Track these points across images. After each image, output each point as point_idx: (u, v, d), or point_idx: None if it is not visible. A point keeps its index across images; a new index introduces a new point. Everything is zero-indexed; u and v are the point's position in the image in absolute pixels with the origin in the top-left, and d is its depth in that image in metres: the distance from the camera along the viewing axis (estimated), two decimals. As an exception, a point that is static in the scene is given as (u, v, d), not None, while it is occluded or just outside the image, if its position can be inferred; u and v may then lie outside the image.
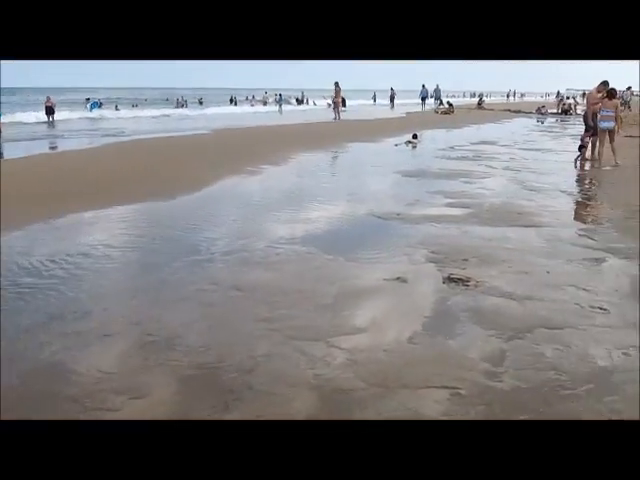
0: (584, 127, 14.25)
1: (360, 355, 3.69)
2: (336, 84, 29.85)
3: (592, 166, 13.09)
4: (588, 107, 14.10)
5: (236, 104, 52.97)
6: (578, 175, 11.92)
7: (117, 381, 3.37)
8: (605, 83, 13.72)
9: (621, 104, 32.51)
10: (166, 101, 53.90)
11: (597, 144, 13.58)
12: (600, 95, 13.55)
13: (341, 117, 29.69)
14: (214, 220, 7.49)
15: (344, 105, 42.55)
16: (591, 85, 15.37)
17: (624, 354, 3.66)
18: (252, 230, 6.92)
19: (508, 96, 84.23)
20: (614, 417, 2.99)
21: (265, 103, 51.88)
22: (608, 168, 12.47)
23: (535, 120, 33.62)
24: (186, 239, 6.49)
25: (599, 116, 13.15)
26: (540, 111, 39.46)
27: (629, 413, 3.02)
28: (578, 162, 13.54)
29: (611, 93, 13.47)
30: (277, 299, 4.62)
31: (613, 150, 13.01)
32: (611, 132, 13.08)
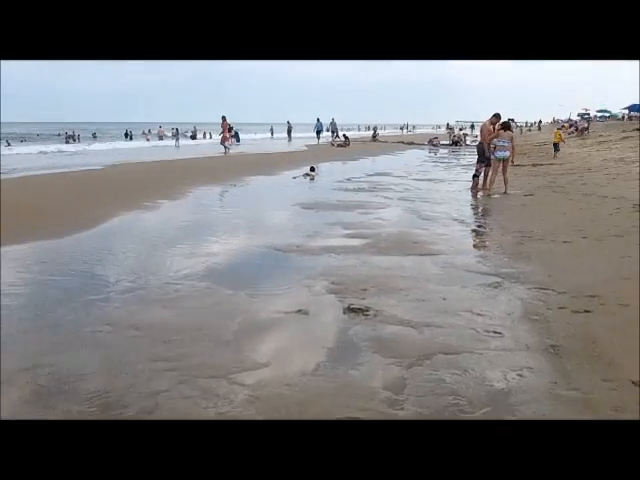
0: (477, 157, 14.85)
1: (262, 391, 3.63)
2: (223, 118, 29.77)
3: (484, 194, 13.67)
4: (483, 138, 14.69)
5: (132, 138, 51.98)
6: (470, 204, 12.40)
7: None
8: (497, 115, 14.41)
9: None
10: (58, 136, 51.98)
11: (490, 173, 14.15)
12: (493, 127, 14.22)
13: (230, 151, 29.49)
14: (110, 257, 7.23)
15: (237, 139, 42.62)
16: (479, 117, 16.14)
17: (518, 375, 3.79)
18: (150, 266, 6.73)
19: (402, 129, 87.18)
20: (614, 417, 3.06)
21: (161, 137, 51.14)
22: (497, 196, 13.08)
23: (427, 151, 34.90)
24: (80, 278, 6.21)
25: (495, 146, 13.75)
26: (432, 143, 41.02)
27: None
28: (472, 191, 14.08)
29: (506, 125, 14.28)
30: (176, 337, 4.49)
31: (506, 179, 13.65)
32: (505, 162, 13.71)
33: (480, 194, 13.80)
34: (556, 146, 24.91)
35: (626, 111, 61.21)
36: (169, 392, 3.62)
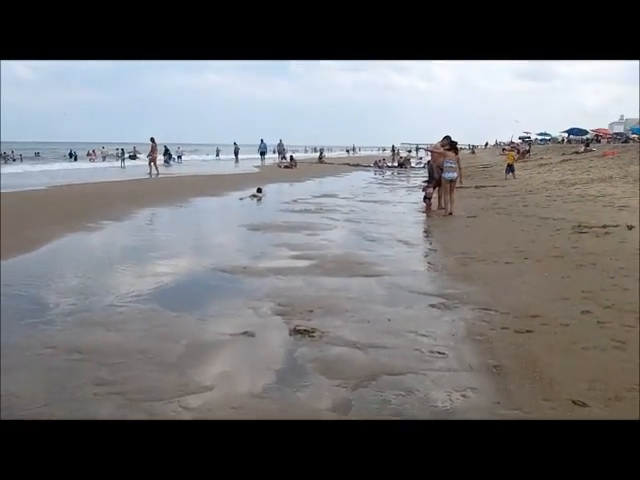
0: (427, 179, 15.04)
1: (208, 414, 3.57)
2: (152, 140, 29.58)
3: (427, 215, 13.87)
4: (433, 160, 14.89)
5: (76, 159, 50.95)
6: (414, 225, 12.56)
7: None
8: (448, 138, 14.68)
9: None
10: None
11: (442, 194, 14.27)
12: (443, 148, 14.46)
13: (158, 174, 28.75)
14: (52, 280, 7.04)
15: (169, 159, 42.39)
16: (423, 140, 16.43)
17: (462, 396, 3.82)
18: (93, 289, 6.59)
19: (348, 151, 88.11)
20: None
21: (104, 158, 50.44)
22: (440, 217, 13.30)
23: (373, 173, 35.29)
24: (21, 301, 6.01)
25: (443, 167, 13.94)
26: (378, 164, 41.55)
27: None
28: (426, 213, 14.25)
29: (454, 147, 14.54)
30: (120, 360, 4.38)
31: (452, 200, 13.80)
32: (453, 182, 13.90)
33: (432, 214, 13.98)
34: (510, 167, 25.35)
35: (565, 134, 63.33)
36: (112, 416, 3.52)
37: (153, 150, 29.79)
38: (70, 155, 52.71)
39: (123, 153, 45.17)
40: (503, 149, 57.85)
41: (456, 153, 14.33)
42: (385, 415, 3.57)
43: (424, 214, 14.22)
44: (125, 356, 4.48)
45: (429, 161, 15.78)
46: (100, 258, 8.49)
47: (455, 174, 13.86)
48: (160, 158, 33.95)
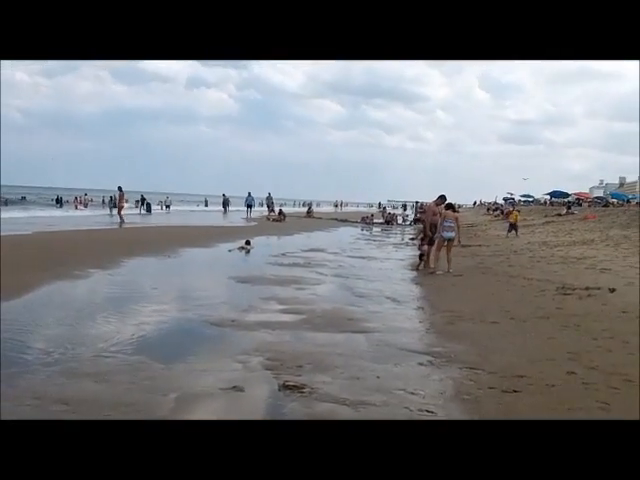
0: (421, 237, 15.17)
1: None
2: (119, 189, 29.91)
3: (426, 272, 13.96)
4: (427, 218, 15.07)
5: (62, 205, 51.04)
6: (401, 281, 12.65)
7: None
8: (442, 197, 14.93)
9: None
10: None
11: (433, 251, 14.29)
12: (439, 208, 14.64)
13: (125, 221, 28.95)
14: (37, 328, 7.04)
15: (148, 209, 42.70)
16: (409, 198, 16.64)
17: (451, 455, 3.85)
18: (80, 338, 6.57)
19: (336, 205, 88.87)
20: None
21: (86, 205, 50.80)
22: (428, 275, 13.42)
23: (360, 229, 35.55)
24: (4, 350, 5.97)
25: (442, 227, 13.94)
26: (365, 221, 41.88)
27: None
28: (417, 269, 14.37)
29: (451, 206, 14.77)
30: (107, 412, 4.37)
31: (449, 259, 13.81)
32: (450, 242, 13.94)
33: (414, 272, 14.09)
34: (513, 226, 26.08)
35: (548, 197, 64.44)
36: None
37: (120, 199, 29.96)
38: (57, 201, 52.86)
39: (111, 200, 45.38)
40: (487, 209, 58.76)
41: (454, 211, 14.56)
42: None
43: (412, 271, 14.34)
44: (112, 408, 4.46)
45: (418, 219, 15.94)
46: (86, 307, 8.46)
47: (453, 233, 13.94)
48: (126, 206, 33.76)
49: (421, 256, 14.81)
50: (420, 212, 45.18)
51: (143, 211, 45.05)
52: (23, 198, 55.02)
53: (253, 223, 34.85)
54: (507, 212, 42.53)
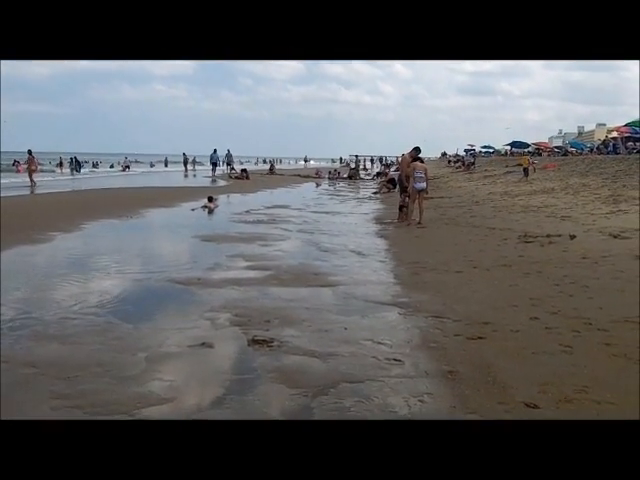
0: (400, 189, 15.12)
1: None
2: (29, 152, 28.45)
3: (403, 224, 14.06)
4: (402, 170, 15.03)
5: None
6: (366, 235, 12.69)
7: None
8: (417, 149, 14.92)
9: (397, 169, 35.64)
10: None
11: (409, 204, 14.32)
12: (412, 160, 14.59)
13: (36, 185, 27.54)
14: (1, 293, 6.87)
15: (78, 169, 41.78)
16: (370, 152, 16.58)
17: (420, 401, 3.93)
18: (45, 301, 6.48)
19: (300, 161, 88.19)
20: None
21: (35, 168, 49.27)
22: (392, 228, 13.50)
23: (323, 185, 35.45)
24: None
25: (413, 178, 14.00)
26: (330, 176, 41.76)
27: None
28: (399, 221, 14.42)
29: (419, 158, 14.78)
30: (76, 374, 4.34)
31: (421, 210, 13.94)
32: (422, 192, 14.04)
33: (378, 225, 14.16)
34: (526, 170, 26.99)
35: (508, 147, 64.91)
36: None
37: (31, 163, 28.73)
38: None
39: (76, 162, 44.67)
40: (449, 161, 59.09)
41: (421, 162, 14.55)
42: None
43: (375, 225, 14.41)
44: (81, 369, 4.44)
45: (383, 172, 15.89)
46: (50, 270, 8.33)
47: (424, 184, 14.03)
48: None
49: (401, 208, 14.82)
50: (384, 166, 45.32)
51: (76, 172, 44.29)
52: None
53: (218, 181, 34.52)
54: (468, 163, 43.01)
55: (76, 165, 45.81)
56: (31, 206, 17.61)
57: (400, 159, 15.58)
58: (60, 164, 50.85)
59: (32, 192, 24.32)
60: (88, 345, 5.01)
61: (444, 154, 77.71)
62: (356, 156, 51.05)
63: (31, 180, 27.91)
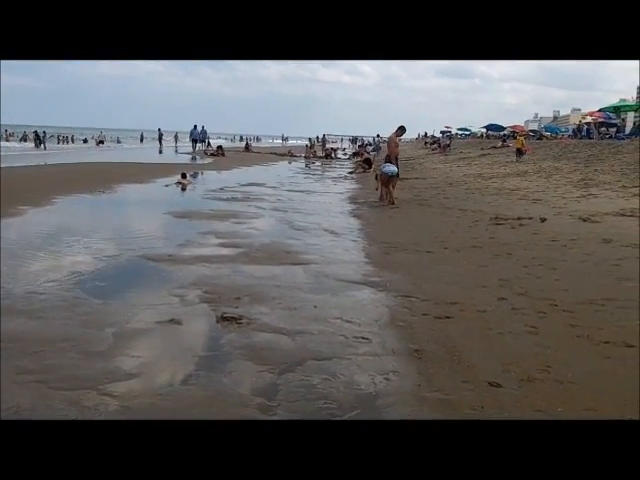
0: None
1: (134, 401, 3.57)
2: None
3: (357, 205, 14.03)
4: (391, 151, 14.82)
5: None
6: (339, 215, 12.69)
7: None
8: (402, 128, 14.84)
9: (373, 149, 35.65)
10: None
11: (382, 186, 14.21)
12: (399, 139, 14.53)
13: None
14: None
15: (39, 143, 42.24)
16: (348, 132, 16.49)
17: (385, 379, 3.96)
18: (11, 276, 6.39)
19: (284, 139, 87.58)
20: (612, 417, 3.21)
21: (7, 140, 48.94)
22: (365, 208, 13.53)
23: (298, 163, 35.33)
24: None
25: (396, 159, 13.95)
26: (305, 155, 41.58)
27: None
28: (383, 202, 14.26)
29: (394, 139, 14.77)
30: (43, 349, 4.30)
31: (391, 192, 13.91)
32: (394, 177, 14.07)
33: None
34: (520, 151, 26.95)
35: (484, 130, 65.20)
36: (35, 404, 3.48)
37: None
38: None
39: (45, 135, 44.24)
40: (425, 142, 59.20)
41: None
42: (311, 398, 3.68)
43: (349, 204, 14.42)
44: (48, 344, 4.40)
45: (357, 152, 15.78)
46: (18, 244, 8.21)
47: (396, 169, 14.05)
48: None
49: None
50: (360, 147, 45.20)
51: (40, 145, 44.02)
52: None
53: (194, 158, 34.24)
54: (444, 145, 43.14)
55: (37, 139, 45.22)
56: None
57: (388, 139, 15.30)
58: (24, 138, 50.33)
59: None
60: (55, 320, 4.96)
61: (425, 135, 77.64)
62: (323, 135, 50.67)
63: None
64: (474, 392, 3.75)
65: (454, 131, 73.93)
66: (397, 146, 14.70)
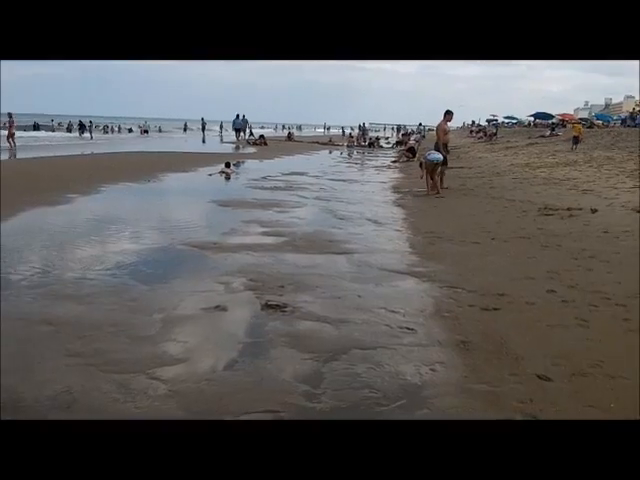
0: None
1: (181, 385, 3.61)
2: (9, 115, 28.23)
3: (401, 194, 13.90)
4: (439, 138, 14.48)
5: (38, 129, 50.18)
6: (382, 204, 12.58)
7: None
8: (450, 112, 14.39)
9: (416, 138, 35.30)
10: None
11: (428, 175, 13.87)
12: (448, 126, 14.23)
13: (16, 147, 27.17)
14: (19, 252, 6.94)
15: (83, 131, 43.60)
16: (390, 119, 16.24)
17: (431, 370, 3.92)
18: (62, 262, 6.55)
19: (327, 128, 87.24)
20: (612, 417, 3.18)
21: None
22: (409, 197, 13.38)
23: (339, 153, 35.17)
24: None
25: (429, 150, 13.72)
26: (348, 144, 41.37)
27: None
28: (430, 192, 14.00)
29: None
30: (92, 333, 4.39)
31: (436, 182, 13.68)
32: (438, 164, 13.79)
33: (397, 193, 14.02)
34: (576, 139, 26.56)
35: (532, 118, 63.97)
36: (86, 387, 3.56)
37: (11, 126, 28.35)
38: (34, 127, 51.80)
39: (92, 125, 45.45)
40: (471, 131, 58.38)
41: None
42: (355, 387, 3.66)
43: (392, 193, 14.30)
44: (97, 329, 4.48)
45: (400, 141, 15.61)
46: (68, 231, 8.39)
47: (441, 156, 13.78)
48: None
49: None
50: (404, 135, 44.77)
51: (84, 134, 45.66)
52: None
53: (236, 147, 34.45)
54: (490, 134, 42.51)
55: (81, 129, 47.05)
56: (48, 168, 17.71)
57: (436, 126, 14.88)
58: (69, 128, 51.71)
59: (11, 156, 23.48)
60: (104, 305, 5.05)
61: (472, 123, 76.44)
62: (363, 124, 49.90)
63: (10, 143, 27.45)
64: (522, 385, 3.68)
65: (500, 119, 72.73)
66: (446, 133, 14.37)
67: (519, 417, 3.27)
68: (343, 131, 58.55)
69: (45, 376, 3.69)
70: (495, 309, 5.08)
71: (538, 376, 3.78)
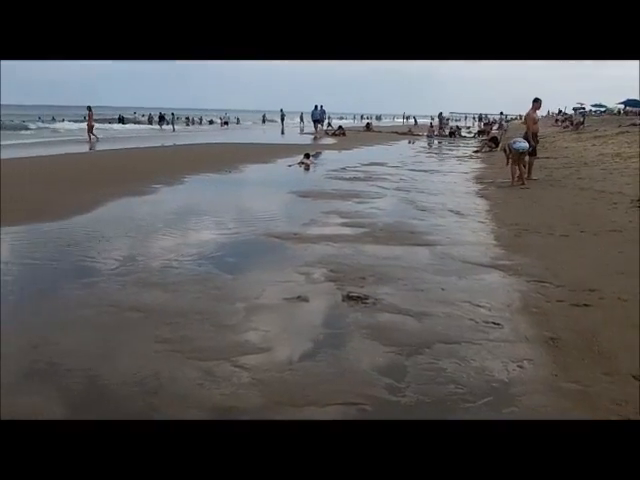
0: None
1: (265, 374, 3.65)
2: (89, 108, 28.94)
3: (484, 185, 13.59)
4: (528, 128, 14.06)
5: (124, 122, 52.02)
6: (465, 195, 12.32)
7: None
8: (538, 100, 13.96)
9: (499, 128, 34.36)
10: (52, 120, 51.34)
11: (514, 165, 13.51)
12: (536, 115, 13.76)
13: (97, 139, 28.32)
14: (109, 241, 7.20)
15: (166, 123, 45.30)
16: (470, 109, 15.81)
17: (519, 367, 3.80)
18: (149, 250, 6.75)
19: (407, 118, 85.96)
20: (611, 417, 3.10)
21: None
22: (493, 188, 13.05)
23: (421, 142, 34.72)
24: (81, 261, 6.22)
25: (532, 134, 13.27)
26: (428, 134, 40.73)
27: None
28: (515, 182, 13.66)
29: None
30: (178, 320, 4.50)
31: (522, 171, 13.35)
32: (523, 153, 13.40)
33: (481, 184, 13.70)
34: None
35: (622, 106, 61.21)
36: (172, 373, 3.65)
37: (90, 119, 29.11)
38: (120, 120, 53.72)
39: (173, 117, 47.09)
40: (556, 120, 56.41)
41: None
42: (440, 382, 3.59)
43: (475, 184, 13.98)
44: (182, 316, 4.59)
45: (483, 131, 15.18)
46: (153, 221, 8.63)
47: (527, 145, 13.34)
48: None
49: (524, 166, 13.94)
50: (486, 125, 43.81)
51: (164, 126, 47.45)
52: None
53: (314, 138, 34.59)
54: (577, 122, 40.93)
55: (161, 121, 49.08)
56: (135, 159, 18.30)
57: (525, 115, 14.36)
58: (150, 121, 53.81)
59: (91, 148, 24.43)
60: (189, 293, 5.17)
61: (559, 112, 73.84)
62: (440, 114, 48.71)
63: (90, 136, 28.39)
64: (616, 385, 3.52)
65: (587, 107, 69.96)
66: (535, 122, 13.82)
67: (614, 418, 3.12)
68: (415, 120, 57.59)
69: (134, 362, 3.81)
70: (585, 305, 4.88)
71: (633, 376, 3.60)
